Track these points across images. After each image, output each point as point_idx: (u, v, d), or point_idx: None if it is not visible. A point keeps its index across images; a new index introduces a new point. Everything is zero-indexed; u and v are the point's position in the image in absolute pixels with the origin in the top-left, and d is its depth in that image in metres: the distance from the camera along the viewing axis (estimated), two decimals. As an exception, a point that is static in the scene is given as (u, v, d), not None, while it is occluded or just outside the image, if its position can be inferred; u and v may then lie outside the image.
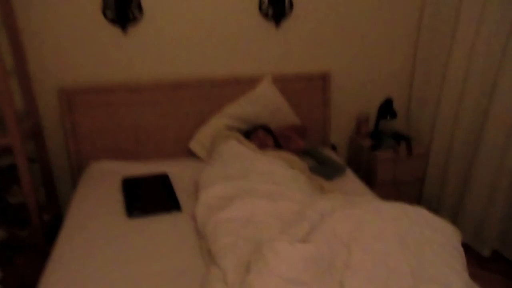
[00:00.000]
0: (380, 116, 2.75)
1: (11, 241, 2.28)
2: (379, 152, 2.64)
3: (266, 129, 2.43)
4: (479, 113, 2.42)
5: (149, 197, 2.06)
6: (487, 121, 2.32)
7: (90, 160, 2.44)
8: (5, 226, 2.30)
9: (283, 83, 2.59)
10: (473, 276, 1.43)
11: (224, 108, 2.52)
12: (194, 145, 2.49)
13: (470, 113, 2.46)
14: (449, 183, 2.66)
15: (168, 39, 2.43)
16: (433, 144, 2.73)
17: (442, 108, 2.61)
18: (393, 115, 2.71)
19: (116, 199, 2.05)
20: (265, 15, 2.48)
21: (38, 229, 2.26)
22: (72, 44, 2.33)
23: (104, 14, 2.29)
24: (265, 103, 2.53)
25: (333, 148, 2.78)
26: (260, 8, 2.46)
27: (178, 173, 2.30)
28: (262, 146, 2.30)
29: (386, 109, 2.72)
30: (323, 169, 2.28)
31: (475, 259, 2.41)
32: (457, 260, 1.43)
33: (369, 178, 2.65)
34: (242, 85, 2.54)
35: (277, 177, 1.95)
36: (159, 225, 1.85)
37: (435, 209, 2.74)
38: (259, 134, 2.38)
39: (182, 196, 2.06)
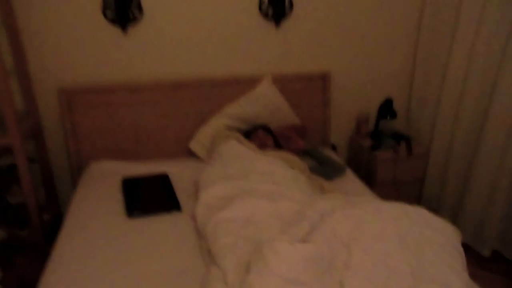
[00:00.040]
0: (380, 116, 2.75)
1: (11, 241, 2.28)
2: (379, 152, 2.64)
3: (266, 129, 2.43)
4: (479, 113, 2.42)
5: (149, 197, 2.06)
6: (487, 121, 2.32)
7: (90, 160, 2.44)
8: (5, 226, 2.30)
9: (283, 83, 2.59)
10: (473, 276, 1.43)
11: (224, 108, 2.52)
12: (194, 145, 2.49)
13: (470, 113, 2.46)
14: (449, 183, 2.66)
15: (168, 39, 2.43)
16: (433, 144, 2.73)
17: (442, 108, 2.61)
18: (393, 115, 2.71)
19: (116, 199, 2.05)
20: (265, 15, 2.48)
21: (38, 229, 2.26)
22: (72, 44, 2.33)
23: (104, 14, 2.29)
24: (265, 103, 2.53)
25: (333, 148, 2.78)
26: (260, 8, 2.46)
27: (178, 173, 2.30)
28: (262, 146, 2.30)
29: (386, 109, 2.72)
30: (323, 169, 2.28)
31: (475, 259, 2.41)
32: (457, 260, 1.43)
33: (369, 178, 2.65)
34: (242, 85, 2.54)
35: (277, 177, 1.95)
36: (159, 225, 1.84)
37: (435, 209, 2.74)
38: (259, 134, 2.38)
39: (182, 196, 2.06)
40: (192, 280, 1.49)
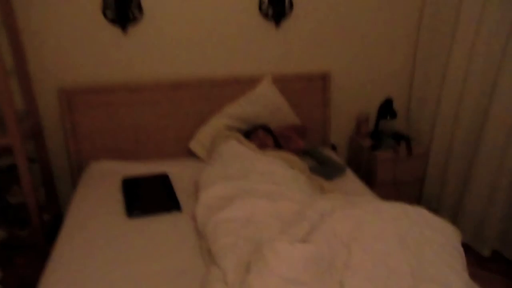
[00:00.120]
0: (380, 116, 2.75)
1: (11, 241, 2.28)
2: (379, 152, 2.64)
3: (266, 129, 2.43)
4: (479, 113, 2.42)
5: (149, 197, 2.06)
6: (487, 121, 2.32)
7: (90, 160, 2.44)
8: (5, 226, 2.30)
9: (283, 83, 2.59)
10: (473, 276, 1.43)
11: (224, 108, 2.52)
12: (194, 145, 2.49)
13: (470, 113, 2.46)
14: (449, 183, 2.66)
15: (168, 39, 2.43)
16: (433, 144, 2.73)
17: (442, 108, 2.61)
18: (393, 115, 2.71)
19: (116, 199, 2.05)
20: (265, 15, 2.48)
21: (38, 229, 2.26)
22: (72, 44, 2.33)
23: (104, 14, 2.29)
24: (265, 103, 2.53)
25: (333, 148, 2.78)
26: (260, 8, 2.46)
27: (178, 173, 2.30)
28: (262, 146, 2.30)
29: (386, 109, 2.72)
30: (323, 169, 2.28)
31: (475, 259, 2.41)
32: (457, 260, 1.43)
33: (369, 178, 2.65)
34: (242, 85, 2.54)
35: (277, 177, 1.95)
36: (159, 225, 1.85)
37: (435, 209, 2.74)
38: (259, 134, 2.38)
39: (182, 196, 2.06)
40: (192, 280, 1.49)
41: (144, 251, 1.67)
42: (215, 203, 1.82)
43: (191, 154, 2.51)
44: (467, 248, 2.46)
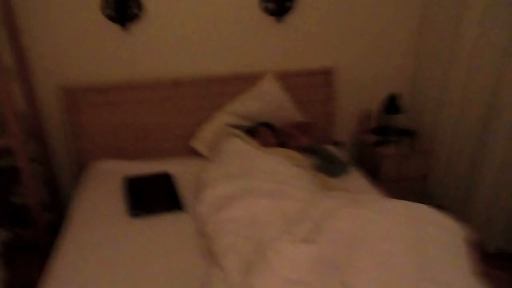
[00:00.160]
0: (385, 112, 2.71)
1: (15, 241, 2.29)
2: (384, 148, 2.61)
3: (269, 126, 2.41)
4: (485, 107, 2.38)
5: (151, 196, 2.05)
6: (493, 115, 2.29)
7: (92, 159, 2.43)
8: (8, 226, 2.30)
9: (286, 79, 2.56)
10: (479, 273, 1.41)
11: (227, 105, 2.50)
12: (197, 143, 2.48)
13: (476, 108, 2.42)
14: (455, 179, 2.63)
15: (169, 37, 2.41)
16: (438, 140, 2.70)
17: (448, 103, 2.57)
18: (398, 110, 2.68)
19: (118, 199, 2.05)
20: (267, 10, 2.45)
21: (41, 229, 2.26)
22: (73, 43, 2.32)
23: (104, 13, 2.27)
24: (267, 100, 2.51)
25: (337, 144, 2.75)
26: (262, 4, 2.43)
27: (181, 171, 2.29)
28: (265, 143, 2.28)
29: (391, 104, 2.68)
30: (327, 167, 2.25)
31: (481, 256, 2.38)
32: (463, 258, 1.41)
33: (374, 174, 2.62)
34: (245, 82, 2.52)
35: (280, 175, 1.93)
36: (161, 224, 1.84)
37: (441, 206, 2.71)
38: (262, 132, 2.36)
39: (184, 195, 2.06)
40: (193, 280, 1.49)
41: (146, 251, 1.67)
42: (218, 202, 1.81)
43: (193, 153, 2.49)
44: (473, 245, 2.43)
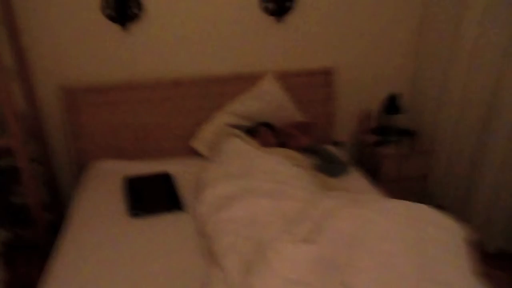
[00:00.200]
0: (385, 112, 2.71)
1: (15, 241, 2.28)
2: (384, 148, 2.61)
3: (269, 126, 2.41)
4: (485, 107, 2.38)
5: (151, 196, 2.05)
6: (493, 115, 2.29)
7: (92, 159, 2.43)
8: (8, 226, 2.30)
9: (287, 79, 2.56)
10: (479, 273, 1.41)
11: (227, 105, 2.50)
12: (197, 143, 2.48)
13: (476, 108, 2.42)
14: (455, 179, 2.63)
15: (168, 37, 2.41)
16: (438, 140, 2.70)
17: (448, 103, 2.57)
18: (398, 110, 2.68)
19: (118, 199, 2.05)
20: (267, 10, 2.45)
21: (41, 229, 2.26)
22: (73, 43, 2.32)
23: (104, 13, 2.27)
24: (267, 100, 2.51)
25: (338, 144, 2.75)
26: (262, 4, 2.43)
27: (181, 172, 2.28)
28: (265, 143, 2.28)
29: (391, 104, 2.68)
30: (327, 167, 2.25)
31: (482, 256, 2.38)
32: (463, 258, 1.41)
33: (374, 174, 2.62)
34: (245, 82, 2.52)
35: (280, 175, 1.93)
36: (161, 224, 1.84)
37: (441, 206, 2.71)
38: (262, 132, 2.36)
39: (184, 195, 2.05)
40: (193, 280, 1.48)
41: (146, 251, 1.67)
42: (218, 202, 1.81)
43: (193, 153, 2.49)
44: (473, 245, 2.43)
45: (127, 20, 2.31)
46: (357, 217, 1.47)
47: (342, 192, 1.91)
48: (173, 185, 2.13)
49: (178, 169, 2.30)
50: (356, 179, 2.24)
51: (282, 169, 1.97)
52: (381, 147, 2.62)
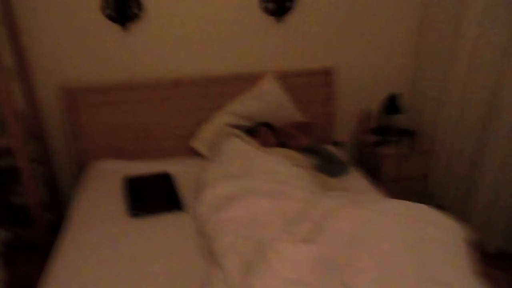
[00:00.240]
0: (385, 112, 2.71)
1: (15, 241, 2.28)
2: (384, 148, 2.61)
3: (269, 126, 2.41)
4: (485, 107, 2.38)
5: (152, 196, 2.05)
6: (493, 115, 2.29)
7: (92, 159, 2.43)
8: (8, 226, 2.30)
9: (287, 79, 2.56)
10: (479, 273, 1.41)
11: (226, 105, 2.50)
12: (197, 143, 2.48)
13: (476, 108, 2.42)
14: (455, 179, 2.63)
15: (168, 37, 2.41)
16: (438, 139, 2.70)
17: (448, 103, 2.57)
18: (398, 110, 2.67)
19: (118, 199, 2.05)
20: (267, 10, 2.45)
21: (41, 229, 2.26)
22: (73, 43, 2.32)
23: (104, 13, 2.27)
24: (267, 100, 2.51)
25: (337, 144, 2.75)
26: (262, 4, 2.43)
27: (181, 172, 2.28)
28: (265, 143, 2.28)
29: (391, 104, 2.68)
30: (327, 167, 2.25)
31: (482, 256, 2.38)
32: (463, 258, 1.41)
33: (374, 174, 2.62)
34: (244, 82, 2.51)
35: (280, 175, 1.93)
36: (161, 224, 1.84)
37: (441, 206, 2.71)
38: (262, 132, 2.36)
39: (184, 195, 2.05)
40: (193, 280, 1.48)
41: (146, 251, 1.67)
42: (218, 202, 1.80)
43: (193, 153, 2.49)
44: (474, 245, 2.43)
45: (127, 20, 2.31)
46: (357, 217, 1.47)
47: (342, 192, 1.91)
48: (173, 185, 2.13)
49: (178, 169, 2.30)
50: (356, 179, 2.24)
51: (282, 169, 1.97)
52: (381, 147, 2.62)
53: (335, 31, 2.62)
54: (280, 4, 2.44)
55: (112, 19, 2.29)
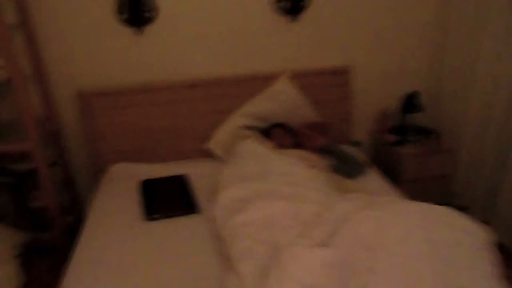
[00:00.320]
0: (405, 111, 2.64)
1: (33, 244, 2.32)
2: (403, 148, 2.54)
3: (284, 127, 2.38)
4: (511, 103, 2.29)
5: (168, 199, 2.05)
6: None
7: (109, 163, 2.45)
8: (27, 229, 2.33)
9: (302, 79, 2.53)
10: (502, 277, 1.35)
11: (242, 106, 2.48)
12: (213, 145, 2.47)
13: (503, 106, 2.32)
14: (481, 179, 2.54)
15: (182, 39, 2.41)
16: (461, 138, 2.61)
17: (472, 101, 2.48)
18: (419, 109, 2.60)
19: (134, 202, 2.06)
20: (282, 9, 2.42)
21: (59, 232, 2.29)
22: (88, 48, 2.34)
23: (119, 16, 2.29)
24: (283, 100, 2.48)
25: (356, 144, 2.69)
26: (276, 3, 2.41)
27: (196, 174, 2.28)
28: (280, 144, 2.26)
29: (409, 102, 2.61)
30: (345, 168, 2.20)
31: (506, 258, 2.29)
32: (484, 261, 1.36)
33: (394, 175, 2.56)
34: (260, 82, 2.49)
35: (296, 177, 1.90)
36: (177, 227, 1.84)
37: (465, 207, 2.62)
38: (278, 133, 2.34)
39: (200, 197, 2.05)
40: (208, 284, 1.48)
41: (161, 254, 1.67)
42: (233, 205, 1.79)
43: (209, 155, 2.48)
44: (500, 248, 2.34)
45: (141, 23, 2.31)
46: (374, 220, 1.43)
47: (359, 194, 1.86)
48: (189, 187, 2.13)
49: (194, 171, 2.30)
50: (374, 180, 2.19)
51: (297, 171, 1.94)
52: (400, 147, 2.56)
53: (350, 29, 2.57)
54: (294, 2, 2.41)
55: (127, 22, 2.30)
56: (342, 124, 2.68)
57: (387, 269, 1.29)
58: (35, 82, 2.29)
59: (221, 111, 2.49)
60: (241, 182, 1.90)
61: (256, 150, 2.13)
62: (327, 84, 2.58)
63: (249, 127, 2.43)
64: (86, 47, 2.34)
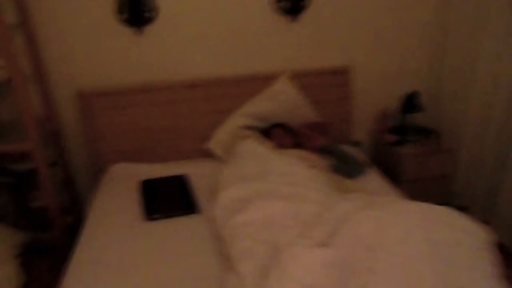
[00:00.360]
0: (405, 111, 2.64)
1: (33, 244, 2.32)
2: (403, 148, 2.54)
3: (284, 127, 2.38)
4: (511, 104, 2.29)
5: (168, 199, 2.05)
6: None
7: (109, 163, 2.45)
8: (27, 229, 2.33)
9: (302, 79, 2.53)
10: (502, 277, 1.35)
11: (242, 106, 2.48)
12: (213, 145, 2.47)
13: (503, 106, 2.32)
14: (481, 179, 2.54)
15: (183, 39, 2.41)
16: (461, 138, 2.61)
17: (472, 101, 2.48)
18: (419, 109, 2.60)
19: (134, 201, 2.06)
20: (282, 9, 2.42)
21: (59, 232, 2.28)
22: (88, 47, 2.34)
23: (119, 16, 2.29)
24: (283, 100, 2.48)
25: (356, 144, 2.69)
26: (276, 3, 2.41)
27: (196, 174, 2.28)
28: (280, 144, 2.26)
29: (409, 102, 2.61)
30: (343, 167, 2.20)
31: (506, 258, 2.29)
32: (484, 261, 1.36)
33: (394, 175, 2.56)
34: (259, 82, 2.49)
35: (296, 177, 1.90)
36: (178, 227, 1.84)
37: (465, 207, 2.62)
38: (278, 133, 2.34)
39: (200, 197, 2.05)
40: (208, 284, 1.47)
41: (161, 254, 1.67)
42: (233, 205, 1.79)
43: (209, 155, 2.48)
44: (500, 248, 2.34)
45: (141, 23, 2.31)
46: (374, 220, 1.43)
47: (359, 194, 1.86)
48: (189, 187, 2.13)
49: (193, 171, 2.30)
50: (374, 180, 2.19)
51: (297, 171, 1.94)
52: (400, 147, 2.56)
53: (350, 29, 2.57)
54: (294, 2, 2.41)
55: (127, 22, 2.30)
56: (342, 124, 2.68)
57: (387, 269, 1.30)
58: (35, 82, 2.29)
59: (221, 111, 2.49)
60: (241, 182, 1.90)
61: (256, 150, 2.13)
62: (327, 84, 2.58)
63: (249, 127, 2.43)
64: (86, 47, 2.34)
